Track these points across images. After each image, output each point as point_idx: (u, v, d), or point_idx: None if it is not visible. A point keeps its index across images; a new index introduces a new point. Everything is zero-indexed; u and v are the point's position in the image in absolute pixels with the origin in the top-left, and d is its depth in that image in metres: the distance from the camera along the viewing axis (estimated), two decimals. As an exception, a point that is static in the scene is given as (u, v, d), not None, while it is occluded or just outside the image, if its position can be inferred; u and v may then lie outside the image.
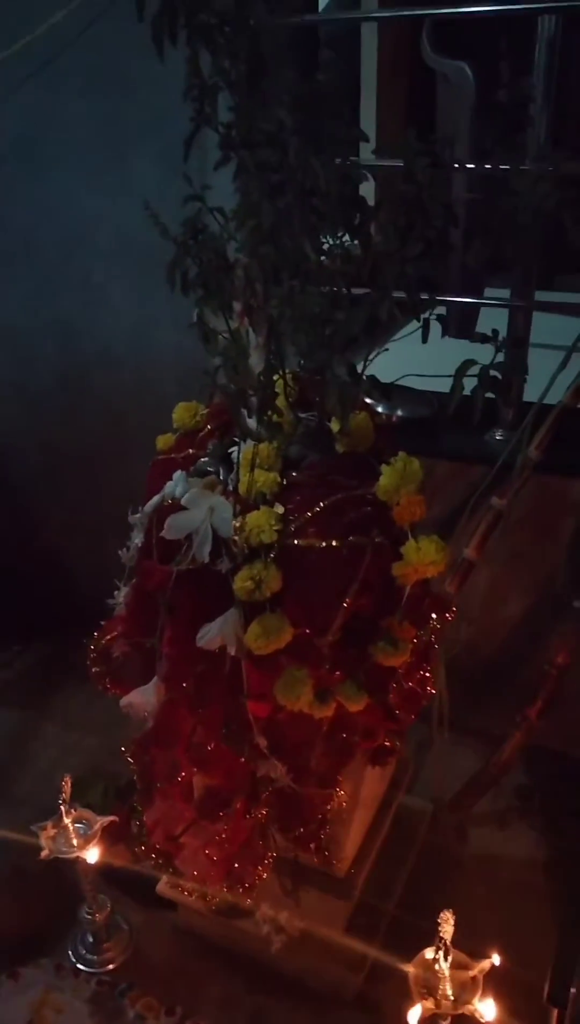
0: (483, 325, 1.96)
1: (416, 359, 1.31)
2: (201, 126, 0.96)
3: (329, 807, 1.33)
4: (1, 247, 2.17)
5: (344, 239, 1.02)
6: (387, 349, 1.04)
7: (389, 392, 1.09)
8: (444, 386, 1.26)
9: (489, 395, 1.10)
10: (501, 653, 2.11)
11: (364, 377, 1.01)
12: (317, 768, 1.28)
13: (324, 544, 1.12)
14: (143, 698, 1.24)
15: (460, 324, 1.90)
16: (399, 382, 1.89)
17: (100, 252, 2.07)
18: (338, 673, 1.18)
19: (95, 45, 1.86)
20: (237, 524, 1.11)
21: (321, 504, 1.15)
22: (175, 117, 1.13)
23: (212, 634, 1.13)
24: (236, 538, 1.11)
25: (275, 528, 1.11)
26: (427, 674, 1.30)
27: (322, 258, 0.93)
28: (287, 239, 0.88)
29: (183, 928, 1.69)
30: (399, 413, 1.93)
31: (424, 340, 1.01)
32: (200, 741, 1.23)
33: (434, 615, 1.25)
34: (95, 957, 1.67)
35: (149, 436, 1.42)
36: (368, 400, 1.28)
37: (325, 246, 0.98)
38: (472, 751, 2.04)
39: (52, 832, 1.56)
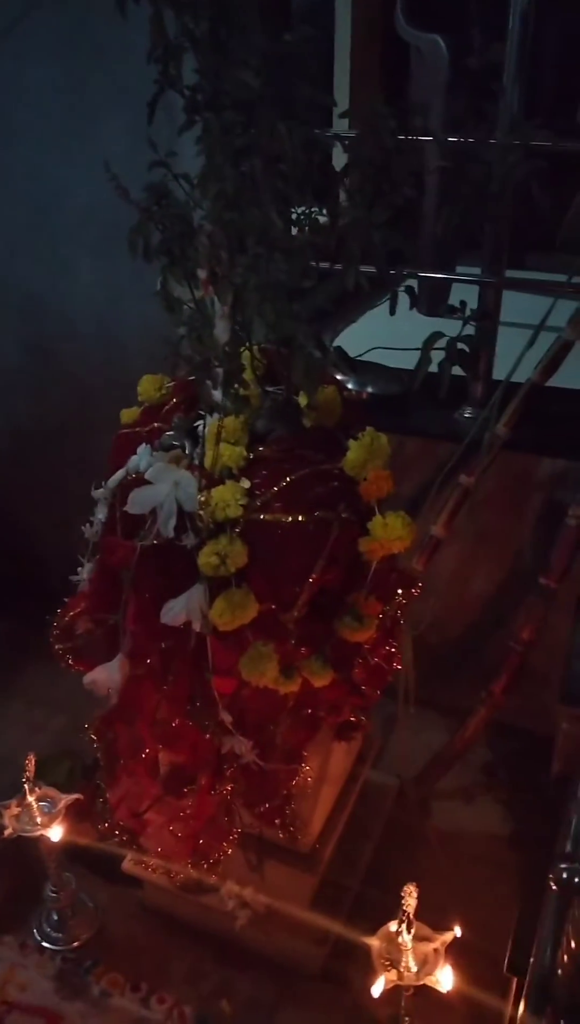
0: (454, 302, 1.96)
1: (386, 334, 1.30)
2: (165, 88, 0.93)
3: (294, 783, 1.32)
4: (-37, 216, 2.12)
5: (312, 208, 1.00)
6: (354, 322, 1.03)
7: (358, 367, 1.07)
8: (414, 362, 1.25)
9: (457, 370, 1.09)
10: (467, 629, 2.13)
11: (332, 350, 0.99)
12: (283, 744, 1.28)
13: (290, 519, 1.11)
14: (107, 675, 1.22)
15: (431, 300, 1.89)
16: (367, 356, 1.88)
17: (67, 223, 2.03)
18: (304, 649, 1.18)
19: (61, 8, 1.80)
20: (202, 499, 1.09)
21: (287, 479, 1.14)
22: (144, 84, 1.10)
23: (177, 610, 1.12)
24: (201, 513, 1.09)
25: (241, 503, 1.09)
26: (393, 650, 1.30)
27: (290, 227, 0.90)
28: (253, 206, 0.86)
29: (149, 905, 1.69)
30: (369, 389, 1.92)
31: (392, 312, 1.00)
32: (165, 717, 1.22)
33: (400, 591, 1.25)
34: (60, 935, 1.66)
35: (116, 410, 1.39)
36: (338, 376, 1.27)
37: (293, 216, 0.96)
38: (438, 726, 2.05)
39: (15, 811, 1.54)
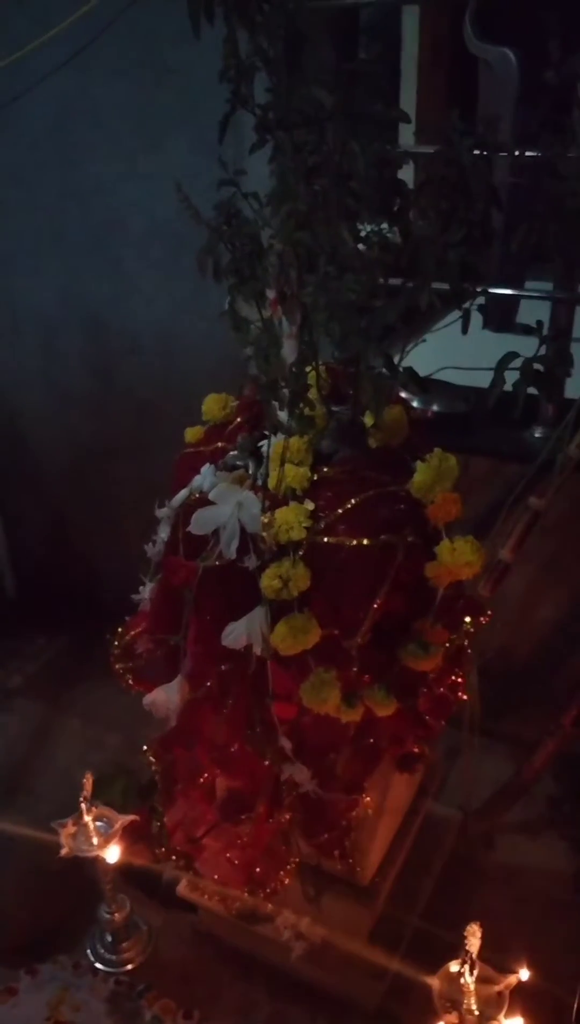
0: (523, 319, 1.90)
1: (454, 352, 1.26)
2: (237, 108, 0.92)
3: (354, 814, 1.29)
4: (32, 235, 2.16)
5: (382, 226, 0.98)
6: (424, 340, 1.00)
7: (426, 385, 1.04)
8: (482, 381, 1.21)
9: (531, 390, 1.05)
10: (535, 657, 2.06)
11: (401, 369, 0.96)
12: (343, 773, 1.25)
13: (355, 542, 1.08)
14: (166, 696, 1.21)
15: (500, 317, 1.84)
16: (436, 375, 1.84)
17: (131, 240, 2.05)
18: (366, 676, 1.14)
19: (128, 31, 1.83)
20: (265, 520, 1.07)
21: (352, 501, 1.11)
22: (209, 103, 1.10)
23: (238, 633, 1.10)
24: (264, 535, 1.07)
25: (304, 525, 1.07)
26: (459, 679, 1.25)
27: (359, 245, 0.88)
28: (323, 225, 0.84)
29: (203, 931, 1.67)
30: (435, 408, 1.88)
31: (464, 331, 0.97)
32: (223, 742, 1.19)
33: (468, 618, 1.20)
34: (113, 957, 1.65)
35: (177, 428, 1.39)
36: (403, 394, 1.23)
37: (362, 233, 0.94)
38: (503, 757, 1.99)
39: (72, 830, 1.53)
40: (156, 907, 1.73)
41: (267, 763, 1.18)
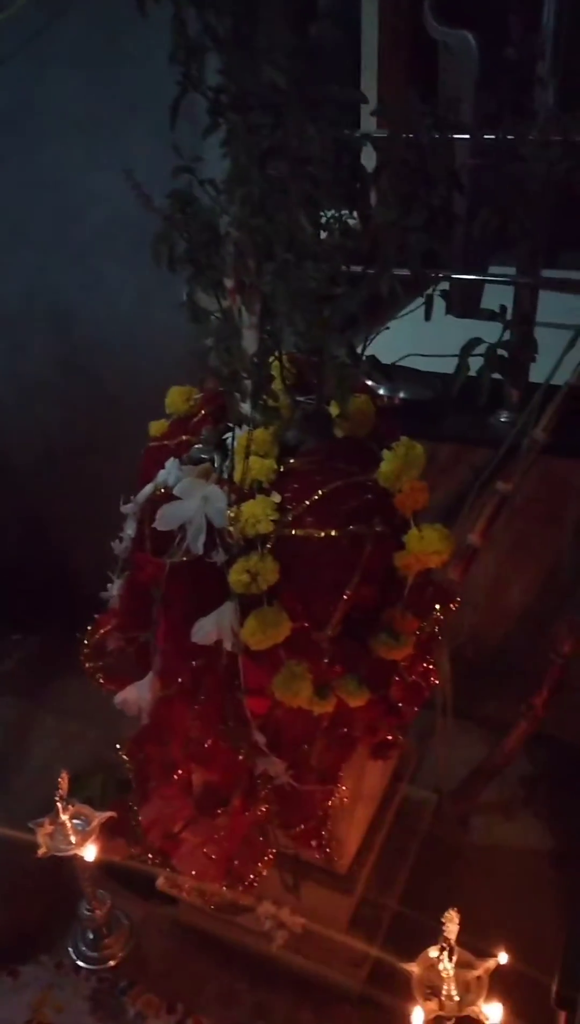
0: (487, 304, 1.90)
1: (418, 339, 1.25)
2: (188, 90, 0.90)
3: (330, 803, 1.29)
4: (-8, 228, 2.11)
5: (342, 212, 0.96)
6: (387, 328, 0.99)
7: (390, 373, 1.03)
8: (447, 367, 1.21)
9: (495, 376, 1.05)
10: (506, 640, 2.07)
11: (364, 358, 0.95)
12: (317, 764, 1.24)
13: (323, 534, 1.07)
14: (137, 694, 1.20)
15: (464, 302, 1.84)
16: (401, 362, 1.84)
17: (95, 231, 2.01)
18: (338, 667, 1.14)
19: (84, 16, 1.79)
20: (232, 514, 1.06)
21: (319, 492, 1.10)
22: (168, 87, 1.07)
23: (207, 629, 1.09)
24: (231, 529, 1.06)
25: (271, 518, 1.06)
26: (430, 666, 1.25)
27: (321, 232, 0.87)
28: (280, 210, 0.82)
29: (184, 924, 1.66)
30: (401, 395, 1.88)
31: (427, 317, 0.96)
32: (197, 737, 1.19)
33: (438, 606, 1.20)
34: (96, 954, 1.64)
35: (146, 421, 1.37)
36: (369, 382, 1.23)
37: (322, 219, 0.93)
38: (477, 739, 2.00)
39: (49, 829, 1.52)
40: (137, 900, 1.72)
41: (242, 757, 1.18)
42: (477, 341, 0.96)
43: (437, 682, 1.36)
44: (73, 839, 1.52)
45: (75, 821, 1.54)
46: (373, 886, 1.56)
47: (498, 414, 1.84)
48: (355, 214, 0.99)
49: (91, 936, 1.65)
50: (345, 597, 1.08)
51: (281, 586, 1.08)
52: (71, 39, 1.82)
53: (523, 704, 1.71)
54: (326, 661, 1.12)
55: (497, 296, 1.74)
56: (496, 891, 1.75)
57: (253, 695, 1.14)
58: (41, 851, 1.49)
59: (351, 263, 1.00)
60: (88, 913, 1.63)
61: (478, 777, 1.81)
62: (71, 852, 1.49)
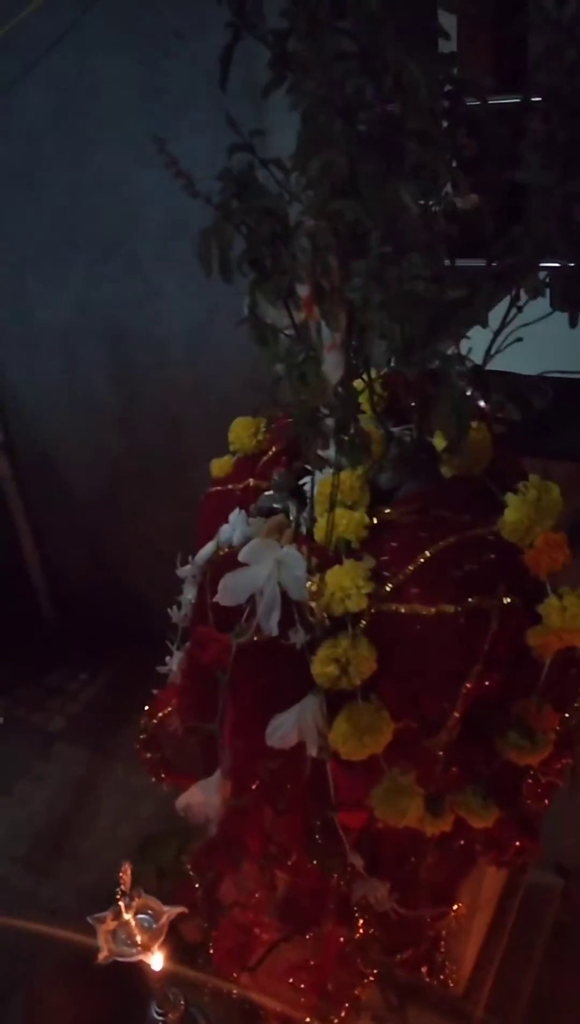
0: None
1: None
2: (241, 36, 0.67)
3: (443, 923, 1.04)
4: (41, 238, 1.94)
5: (447, 191, 0.71)
6: (520, 340, 0.74)
7: (526, 408, 0.78)
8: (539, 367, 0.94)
9: None
10: None
11: (489, 382, 0.70)
12: (428, 881, 1.00)
13: (433, 610, 0.82)
14: (204, 796, 0.97)
15: (567, 293, 1.55)
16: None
17: (150, 237, 1.81)
18: (455, 772, 0.89)
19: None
20: (313, 586, 0.82)
21: (426, 553, 0.85)
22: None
23: (285, 729, 0.85)
24: (313, 605, 0.82)
25: (365, 591, 0.81)
26: (568, 762, 0.99)
27: (429, 214, 0.62)
28: (375, 185, 0.57)
29: (270, 1029, 1.44)
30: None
31: (573, 324, 0.70)
32: (277, 854, 0.96)
33: (582, 689, 0.93)
34: (169, 1062, 1.43)
35: (212, 442, 1.15)
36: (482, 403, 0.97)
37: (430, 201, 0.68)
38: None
39: (112, 926, 1.32)
40: (220, 996, 1.51)
41: (335, 881, 0.94)
42: None
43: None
44: (139, 938, 1.31)
45: (141, 916, 1.33)
46: (495, 1001, 1.30)
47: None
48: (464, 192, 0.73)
49: (164, 1042, 1.44)
50: (465, 691, 0.83)
51: (380, 677, 0.83)
52: (114, 22, 1.62)
53: None
54: (440, 768, 0.87)
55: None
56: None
57: (347, 808, 0.90)
58: (102, 955, 1.29)
59: (459, 255, 0.75)
60: (159, 1017, 1.42)
61: (614, 861, 1.52)
62: (135, 959, 1.28)
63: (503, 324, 0.72)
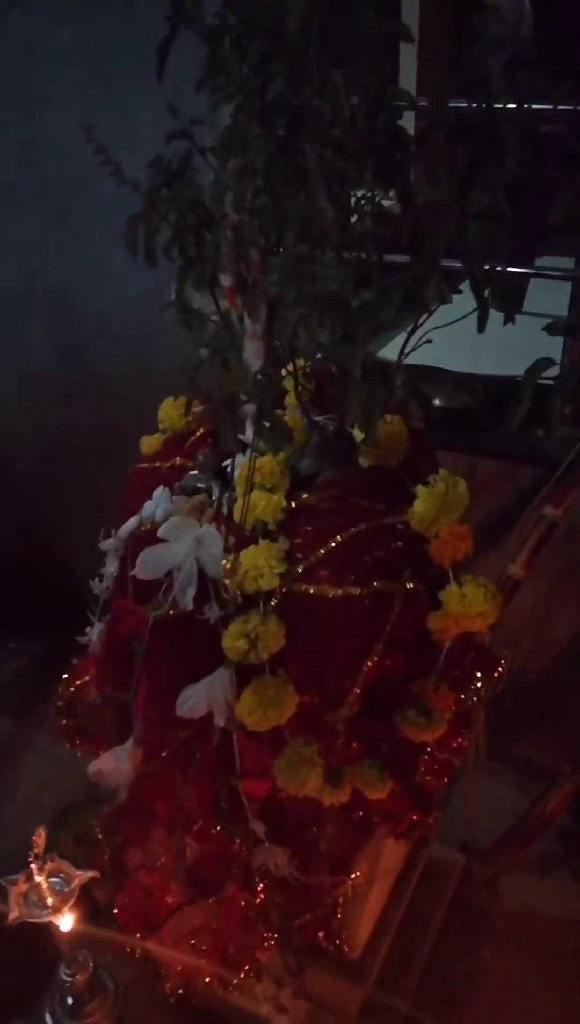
0: (533, 301, 1.68)
1: (450, 334, 1.03)
2: (179, 29, 0.69)
3: (340, 890, 1.09)
4: (-13, 204, 1.92)
5: (375, 192, 0.75)
6: (430, 341, 0.78)
7: (429, 403, 0.82)
8: (487, 368, 0.99)
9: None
10: (547, 676, 1.86)
11: (399, 383, 0.74)
12: (327, 851, 1.05)
13: (341, 591, 0.87)
14: (116, 763, 1.00)
15: (506, 298, 1.61)
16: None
17: (99, 209, 1.81)
18: (355, 747, 0.94)
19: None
20: (228, 565, 0.85)
21: (338, 538, 0.89)
22: (181, 52, 0.87)
23: (195, 700, 0.89)
24: (227, 582, 0.86)
25: (277, 571, 0.85)
26: (465, 742, 1.05)
27: (343, 216, 0.65)
28: (293, 186, 0.61)
29: (175, 992, 1.48)
30: (436, 402, 1.66)
31: (481, 328, 0.75)
32: (185, 820, 0.99)
33: (478, 674, 0.99)
34: (76, 1022, 1.46)
35: (151, 422, 1.17)
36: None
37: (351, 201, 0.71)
38: (509, 783, 1.81)
39: (23, 888, 1.34)
40: (126, 957, 1.55)
41: (237, 845, 0.98)
42: (547, 362, 0.74)
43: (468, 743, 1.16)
44: (50, 901, 1.34)
45: (53, 880, 1.36)
46: (389, 968, 1.37)
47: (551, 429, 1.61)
48: (392, 194, 0.77)
49: (71, 1002, 1.47)
50: (366, 669, 0.88)
51: (287, 652, 0.87)
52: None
53: (567, 762, 1.50)
54: (340, 741, 0.92)
55: (542, 292, 1.52)
56: (527, 966, 1.55)
57: (251, 777, 0.94)
58: (12, 916, 1.31)
59: (384, 252, 0.79)
60: (67, 978, 1.45)
61: (511, 841, 1.61)
62: (44, 920, 1.31)
63: (415, 327, 0.76)
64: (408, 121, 0.78)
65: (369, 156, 0.63)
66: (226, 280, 0.69)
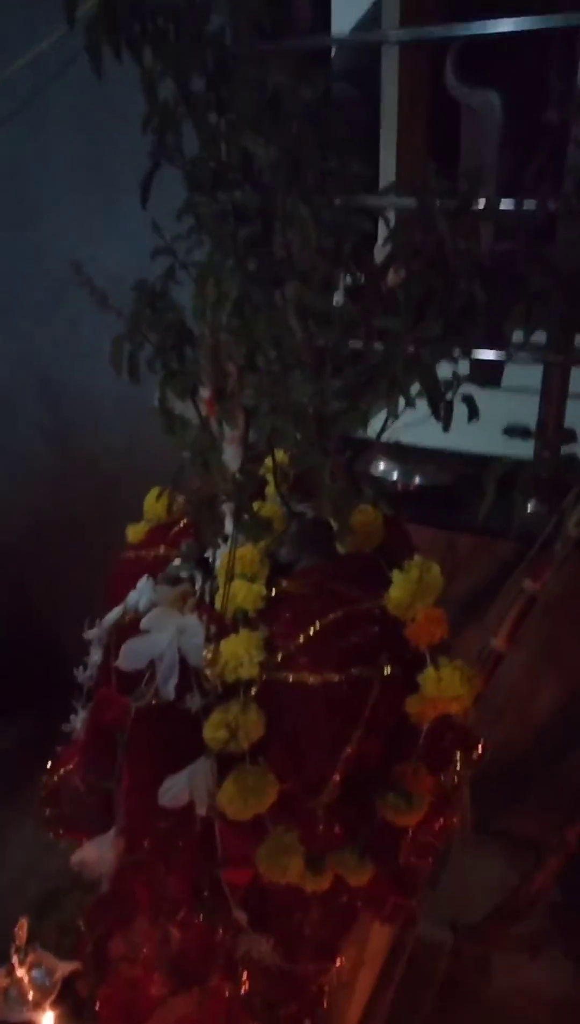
0: (512, 377, 1.74)
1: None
2: (161, 163, 0.75)
3: (326, 978, 1.08)
4: (-17, 295, 2.00)
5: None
6: (398, 443, 0.83)
7: (397, 502, 0.86)
8: (467, 445, 1.03)
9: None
10: (532, 750, 1.86)
11: (367, 489, 0.78)
12: (312, 936, 1.05)
13: (319, 678, 0.89)
14: (98, 853, 1.01)
15: (485, 372, 1.68)
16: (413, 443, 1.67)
17: (89, 303, 1.88)
18: (336, 831, 0.95)
19: (81, 77, 1.68)
20: (208, 653, 0.88)
21: (316, 624, 0.92)
22: (167, 166, 0.95)
23: (176, 790, 0.90)
24: (208, 672, 0.88)
25: (257, 659, 0.88)
26: (447, 823, 1.06)
27: (312, 338, 0.70)
28: (265, 311, 0.66)
29: None
30: (416, 480, 1.71)
31: (446, 428, 0.79)
32: (167, 910, 0.99)
33: (458, 753, 1.01)
34: None
35: (140, 505, 1.21)
36: (382, 466, 1.05)
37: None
38: (498, 857, 1.79)
39: (4, 983, 1.32)
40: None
41: (221, 935, 0.98)
42: (502, 462, 0.79)
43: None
44: (31, 996, 1.32)
45: (35, 972, 1.34)
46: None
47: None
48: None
49: None
50: (346, 755, 0.90)
51: (268, 740, 0.89)
52: (68, 101, 1.72)
53: (554, 836, 1.50)
54: (321, 827, 0.93)
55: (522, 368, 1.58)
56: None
57: (233, 865, 0.95)
58: (-9, 1014, 1.29)
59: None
60: (50, 1076, 1.41)
61: (500, 918, 1.59)
62: (24, 1018, 1.29)
63: (383, 429, 0.81)
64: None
65: (335, 281, 0.68)
66: (205, 392, 0.74)
